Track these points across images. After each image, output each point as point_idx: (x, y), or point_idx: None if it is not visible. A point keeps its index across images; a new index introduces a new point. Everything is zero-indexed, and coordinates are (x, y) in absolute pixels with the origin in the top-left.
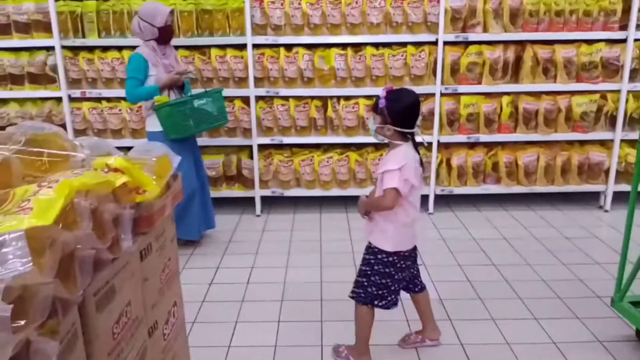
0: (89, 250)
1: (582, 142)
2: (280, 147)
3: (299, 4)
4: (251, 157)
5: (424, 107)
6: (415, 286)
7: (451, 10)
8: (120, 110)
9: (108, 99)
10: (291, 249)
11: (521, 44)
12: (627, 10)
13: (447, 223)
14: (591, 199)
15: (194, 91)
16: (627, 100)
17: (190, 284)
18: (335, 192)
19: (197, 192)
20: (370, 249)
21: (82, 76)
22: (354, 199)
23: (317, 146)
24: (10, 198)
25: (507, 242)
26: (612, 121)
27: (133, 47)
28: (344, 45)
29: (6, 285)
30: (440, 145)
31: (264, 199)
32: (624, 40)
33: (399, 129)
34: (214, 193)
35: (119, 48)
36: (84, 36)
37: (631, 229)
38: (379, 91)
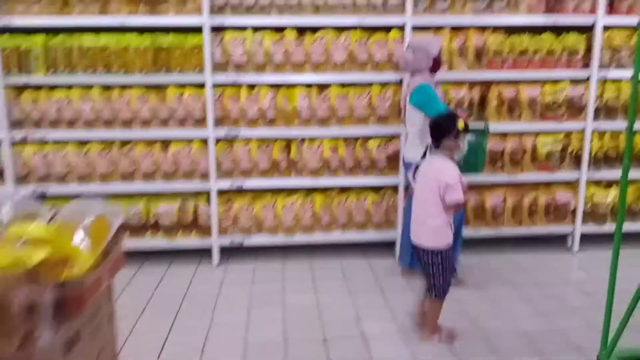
0: None
1: (548, 183)
2: (241, 191)
3: (262, 42)
4: (209, 203)
5: (390, 149)
6: None
7: None
8: (67, 153)
9: (54, 142)
10: (252, 303)
11: (486, 83)
12: (589, 49)
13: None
14: (558, 240)
15: None
16: (591, 140)
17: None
18: (299, 238)
19: None
20: None
21: (24, 117)
22: (319, 247)
23: (280, 190)
24: None
25: (478, 289)
26: (576, 161)
27: (85, 86)
28: (308, 85)
29: None
30: (406, 187)
31: (223, 247)
32: (587, 80)
33: None
34: (168, 242)
35: (69, 86)
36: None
37: (615, 281)
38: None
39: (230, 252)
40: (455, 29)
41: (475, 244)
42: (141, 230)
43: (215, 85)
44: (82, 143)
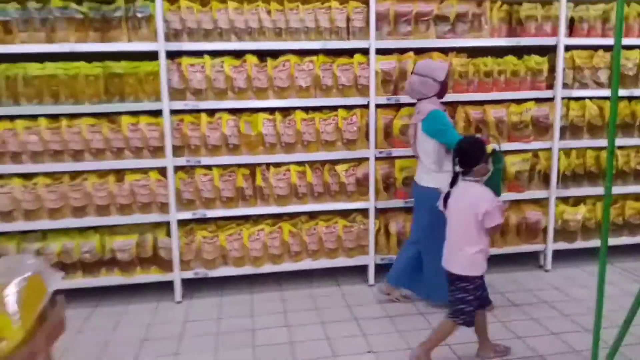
0: None
1: (518, 202)
2: (204, 221)
3: (222, 66)
4: (169, 235)
5: (359, 172)
6: None
7: (381, 72)
8: (12, 188)
9: None
10: (219, 343)
11: (452, 105)
12: (552, 69)
13: None
14: (530, 258)
15: None
16: (558, 158)
17: None
18: (267, 268)
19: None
20: None
21: None
22: (288, 275)
23: (245, 218)
24: None
25: None
26: (545, 179)
27: (31, 117)
28: (271, 110)
29: None
30: (378, 211)
31: (186, 282)
32: (551, 99)
33: None
34: (125, 279)
35: (12, 117)
36: None
37: (601, 314)
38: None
39: (193, 286)
40: (419, 52)
41: None
42: (96, 267)
43: (173, 112)
44: (29, 177)
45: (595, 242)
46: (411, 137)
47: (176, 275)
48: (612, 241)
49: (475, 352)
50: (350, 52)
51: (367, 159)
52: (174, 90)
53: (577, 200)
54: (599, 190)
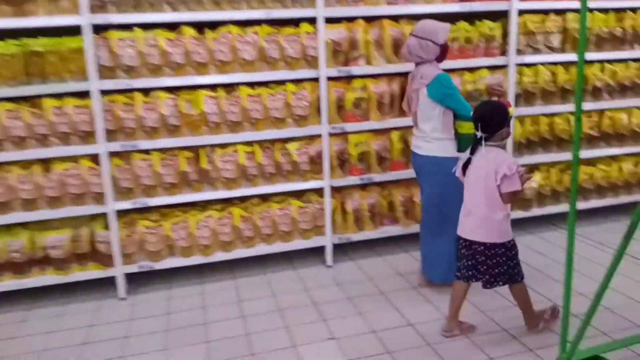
0: None
1: None
2: (145, 210)
3: (155, 40)
4: (107, 227)
5: (312, 150)
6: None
7: (331, 42)
8: None
9: None
10: (169, 341)
11: (405, 75)
12: (506, 35)
13: (349, 276)
14: None
15: None
16: (513, 126)
17: None
18: (218, 256)
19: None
20: None
21: None
22: (241, 262)
23: (191, 205)
24: None
25: (416, 291)
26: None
27: None
28: (213, 86)
29: None
30: (333, 189)
31: (129, 276)
32: (506, 66)
33: None
34: (61, 278)
35: None
36: None
37: (571, 275)
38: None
39: (139, 280)
40: (370, 20)
41: (407, 241)
42: (27, 267)
43: (104, 93)
44: None
45: (550, 209)
46: (411, 103)
47: (118, 270)
48: (565, 207)
49: (441, 327)
50: (296, 22)
51: (319, 135)
52: (103, 68)
53: (531, 168)
54: (552, 156)
